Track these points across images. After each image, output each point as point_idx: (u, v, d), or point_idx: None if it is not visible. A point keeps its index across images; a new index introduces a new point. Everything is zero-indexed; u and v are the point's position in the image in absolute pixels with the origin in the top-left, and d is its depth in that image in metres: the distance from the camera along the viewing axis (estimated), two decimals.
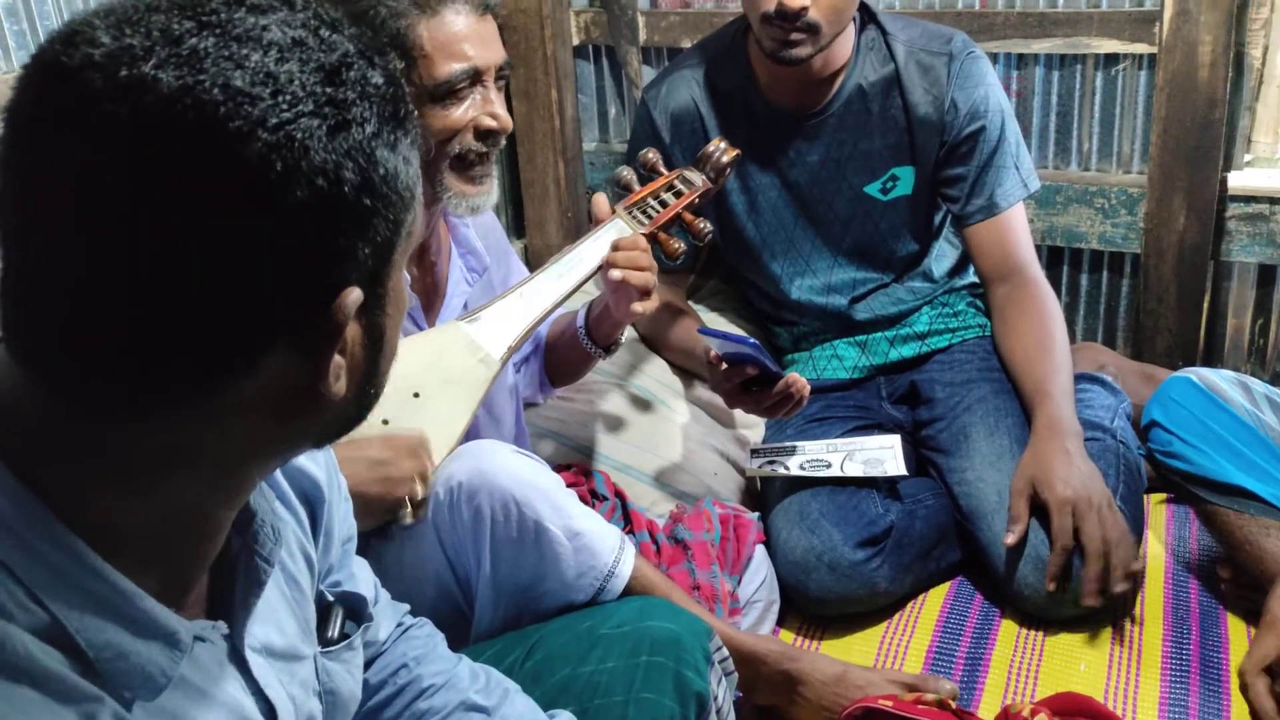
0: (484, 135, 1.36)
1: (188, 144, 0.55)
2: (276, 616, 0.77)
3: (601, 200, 1.52)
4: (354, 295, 0.61)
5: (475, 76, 1.33)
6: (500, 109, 1.37)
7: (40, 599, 0.58)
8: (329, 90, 0.59)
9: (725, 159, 1.65)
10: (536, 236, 2.51)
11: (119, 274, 0.56)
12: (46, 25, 1.65)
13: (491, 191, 1.39)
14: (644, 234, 1.50)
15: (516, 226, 2.55)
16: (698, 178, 1.63)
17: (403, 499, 1.24)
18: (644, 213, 1.54)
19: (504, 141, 1.39)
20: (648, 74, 2.40)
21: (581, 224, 2.49)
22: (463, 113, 1.33)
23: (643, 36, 2.37)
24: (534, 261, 2.45)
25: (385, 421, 1.27)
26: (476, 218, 1.47)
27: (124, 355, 0.58)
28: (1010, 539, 1.57)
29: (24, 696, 0.56)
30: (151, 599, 0.62)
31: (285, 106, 0.57)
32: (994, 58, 2.11)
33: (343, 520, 0.92)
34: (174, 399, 0.60)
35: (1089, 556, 1.52)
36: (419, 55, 1.29)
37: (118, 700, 0.60)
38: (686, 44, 2.26)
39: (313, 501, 0.86)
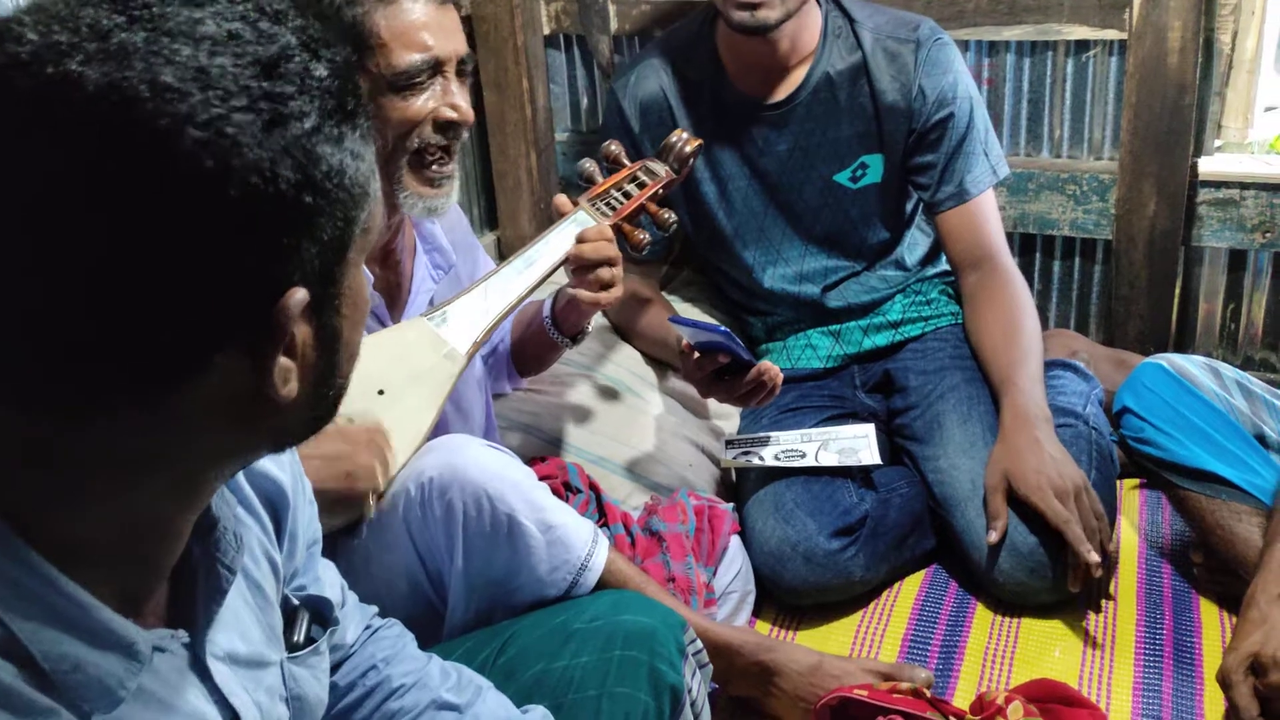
0: (444, 128, 1.33)
1: (115, 142, 0.54)
2: (240, 623, 0.76)
3: (562, 197, 1.52)
4: (298, 296, 0.59)
5: (435, 67, 1.31)
6: (461, 100, 1.34)
7: None
8: (264, 84, 0.57)
9: (687, 149, 1.65)
10: (509, 228, 2.49)
11: (51, 277, 0.55)
12: None
13: (450, 195, 1.37)
14: (608, 225, 1.49)
15: (489, 218, 2.54)
16: (661, 169, 1.63)
17: (366, 493, 1.23)
18: (607, 205, 1.54)
19: (465, 135, 1.37)
20: (619, 63, 2.38)
21: (554, 215, 2.47)
22: (422, 104, 1.31)
23: (614, 25, 2.36)
24: (506, 253, 2.42)
25: (350, 420, 1.25)
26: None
27: (58, 360, 0.56)
28: (993, 536, 1.56)
29: None
30: (109, 610, 0.61)
31: (216, 102, 0.55)
32: (964, 45, 2.11)
33: (308, 524, 0.91)
34: (117, 404, 0.58)
35: (1079, 529, 1.52)
36: (376, 44, 1.27)
37: (75, 713, 0.59)
38: (658, 33, 2.25)
39: (276, 505, 0.84)
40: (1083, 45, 2.07)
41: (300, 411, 0.65)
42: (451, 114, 1.32)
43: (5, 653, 0.57)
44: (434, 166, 1.34)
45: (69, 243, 0.54)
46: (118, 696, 0.61)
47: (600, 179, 1.57)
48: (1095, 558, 1.51)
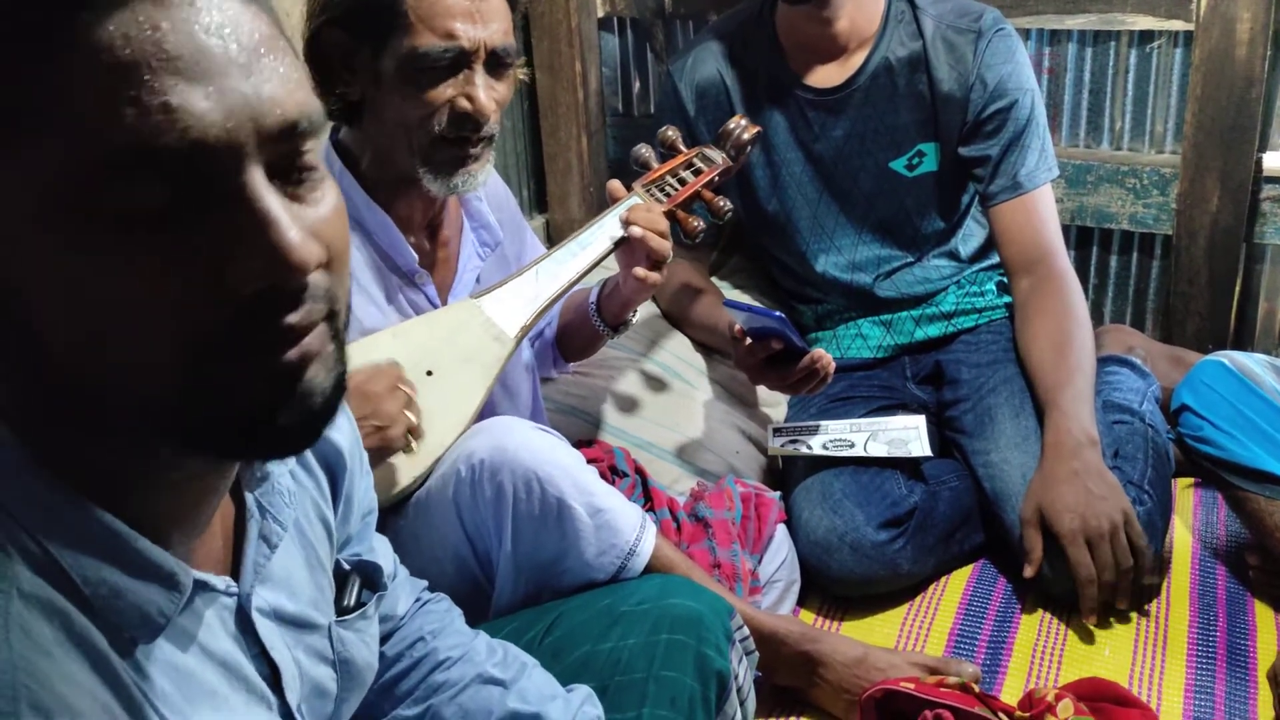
0: (459, 119, 1.28)
1: None
2: (290, 582, 0.76)
3: (616, 183, 1.50)
4: None
5: (460, 56, 1.26)
6: (481, 93, 1.27)
7: (35, 536, 0.57)
8: None
9: (746, 136, 1.63)
10: (558, 211, 2.49)
11: None
12: None
13: (473, 178, 1.32)
14: (662, 211, 1.48)
15: (538, 201, 2.53)
16: (718, 155, 1.61)
17: (400, 438, 1.23)
18: (662, 190, 1.52)
19: (488, 129, 1.30)
20: (672, 47, 2.37)
21: (604, 199, 2.47)
22: (439, 92, 1.26)
23: (668, 9, 2.34)
24: (556, 237, 2.43)
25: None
26: (489, 190, 1.45)
27: None
28: (1029, 571, 1.54)
29: (42, 635, 0.55)
30: (146, 540, 0.61)
31: None
32: (1026, 34, 2.08)
33: (364, 493, 0.91)
34: None
35: (1101, 581, 1.50)
36: (404, 23, 1.23)
37: (118, 641, 0.60)
38: (712, 17, 2.23)
39: (334, 468, 0.85)
40: (1147, 35, 2.03)
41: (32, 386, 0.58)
42: (465, 105, 1.27)
43: (48, 575, 0.57)
44: (451, 154, 1.30)
45: None
46: (158, 624, 0.61)
47: (656, 164, 1.56)
48: (1091, 621, 1.52)
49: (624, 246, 1.45)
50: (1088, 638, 1.53)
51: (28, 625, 0.54)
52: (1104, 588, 1.51)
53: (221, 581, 0.69)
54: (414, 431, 1.25)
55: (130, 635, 0.61)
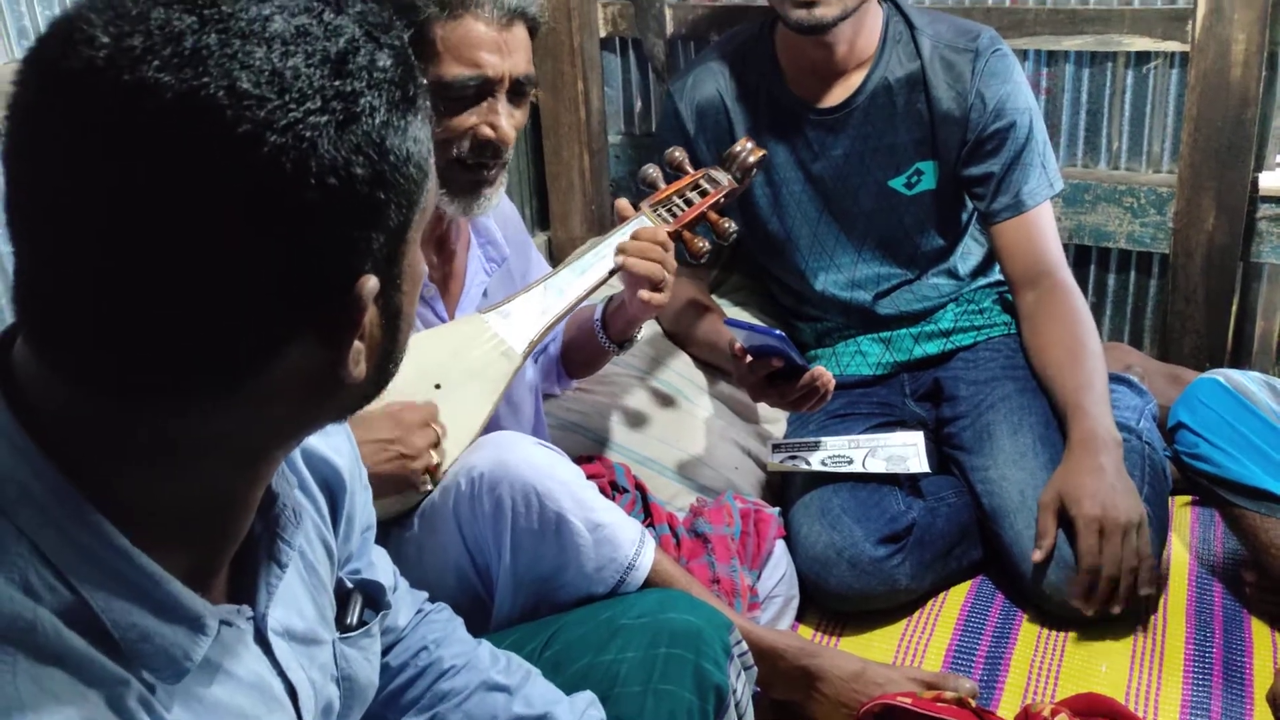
0: (481, 146, 1.32)
1: (194, 150, 0.54)
2: (296, 601, 0.77)
3: (624, 202, 1.52)
4: (371, 283, 0.61)
5: (485, 85, 1.30)
6: (504, 121, 1.32)
7: (68, 580, 0.58)
8: (336, 83, 0.58)
9: (752, 159, 1.65)
10: (560, 229, 2.51)
11: (132, 278, 0.56)
12: (47, 14, 1.50)
13: (487, 201, 1.37)
14: (669, 232, 1.50)
15: (540, 219, 2.55)
16: (724, 177, 1.63)
17: (420, 472, 1.24)
18: (669, 211, 1.54)
19: (507, 154, 1.35)
20: (674, 67, 2.39)
21: (605, 217, 2.49)
22: (462, 119, 1.30)
23: (670, 29, 2.37)
24: (557, 254, 2.45)
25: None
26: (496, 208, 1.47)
27: (140, 354, 0.58)
28: (1038, 555, 1.55)
29: (52, 678, 0.56)
30: (178, 583, 0.63)
31: (293, 105, 0.56)
32: (1024, 55, 2.10)
33: (363, 508, 0.92)
34: (196, 391, 0.60)
35: (1103, 575, 1.51)
36: (431, 52, 1.27)
37: (142, 682, 0.61)
38: (714, 37, 2.26)
39: (334, 489, 0.86)
40: (1143, 57, 2.05)
41: (365, 386, 0.67)
42: (488, 133, 1.31)
43: (79, 622, 0.58)
44: (469, 178, 1.34)
45: (150, 245, 0.55)
46: (183, 668, 0.63)
47: (663, 185, 1.58)
48: (1088, 612, 1.52)
49: None
50: (1085, 654, 1.54)
51: (38, 673, 0.56)
52: (1107, 582, 1.51)
53: (243, 614, 0.70)
54: (433, 473, 1.26)
55: (155, 678, 0.62)
